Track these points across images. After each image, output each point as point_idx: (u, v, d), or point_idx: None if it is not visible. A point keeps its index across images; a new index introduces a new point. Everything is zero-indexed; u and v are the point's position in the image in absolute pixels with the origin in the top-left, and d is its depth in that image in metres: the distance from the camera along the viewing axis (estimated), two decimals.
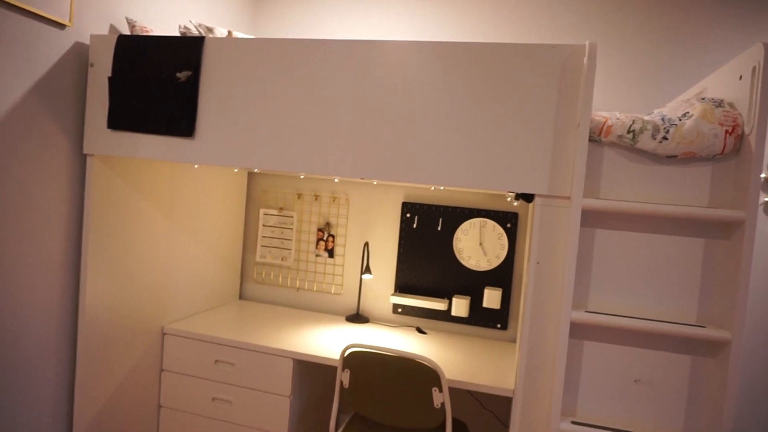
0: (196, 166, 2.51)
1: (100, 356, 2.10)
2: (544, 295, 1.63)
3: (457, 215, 2.72)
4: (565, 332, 1.52)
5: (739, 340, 1.43)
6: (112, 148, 1.99)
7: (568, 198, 1.61)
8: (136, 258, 2.22)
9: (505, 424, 2.66)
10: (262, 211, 3.05)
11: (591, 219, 1.61)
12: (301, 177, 2.95)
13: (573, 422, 1.54)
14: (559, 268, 1.62)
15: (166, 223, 2.36)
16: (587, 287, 1.62)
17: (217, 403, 2.31)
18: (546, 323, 1.62)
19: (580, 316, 1.52)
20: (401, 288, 2.81)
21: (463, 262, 2.71)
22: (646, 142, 1.52)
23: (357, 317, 2.78)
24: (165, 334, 2.38)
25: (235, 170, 2.87)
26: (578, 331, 1.59)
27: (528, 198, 1.84)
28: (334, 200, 2.93)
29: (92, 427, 2.09)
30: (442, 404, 1.87)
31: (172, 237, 2.41)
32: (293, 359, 2.21)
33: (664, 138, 1.50)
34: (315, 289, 2.96)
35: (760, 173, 1.43)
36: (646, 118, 1.56)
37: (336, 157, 1.80)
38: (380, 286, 2.85)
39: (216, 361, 2.31)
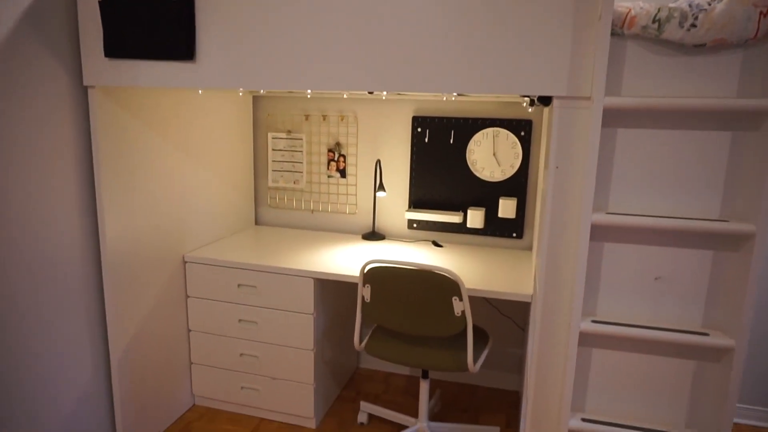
0: (200, 91, 2.44)
1: (126, 288, 2.15)
2: (564, 199, 1.60)
3: (470, 126, 2.65)
4: (586, 235, 1.51)
5: (763, 234, 1.42)
6: (113, 77, 1.92)
7: (589, 98, 1.54)
8: (150, 190, 2.21)
9: (523, 328, 2.74)
10: (270, 134, 3.00)
11: (612, 119, 1.55)
12: (308, 96, 2.86)
13: (593, 320, 1.57)
14: (579, 171, 1.58)
15: (175, 152, 2.33)
16: (607, 190, 1.59)
17: (244, 324, 2.39)
18: (565, 227, 1.61)
19: (602, 218, 1.51)
20: (416, 203, 2.80)
21: (477, 174, 2.68)
22: (672, 32, 1.43)
23: (373, 235, 2.80)
24: (186, 262, 2.43)
25: (240, 93, 2.79)
26: (598, 234, 1.58)
27: (546, 101, 1.77)
28: (342, 119, 2.86)
29: (127, 354, 2.18)
30: (463, 312, 1.92)
31: (182, 166, 2.39)
32: (314, 278, 2.26)
33: (693, 25, 1.40)
34: (329, 210, 2.96)
35: None
36: (673, 5, 1.45)
37: (343, 70, 1.72)
38: (394, 203, 2.84)
39: (239, 285, 2.36)
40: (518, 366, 2.81)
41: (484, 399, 2.73)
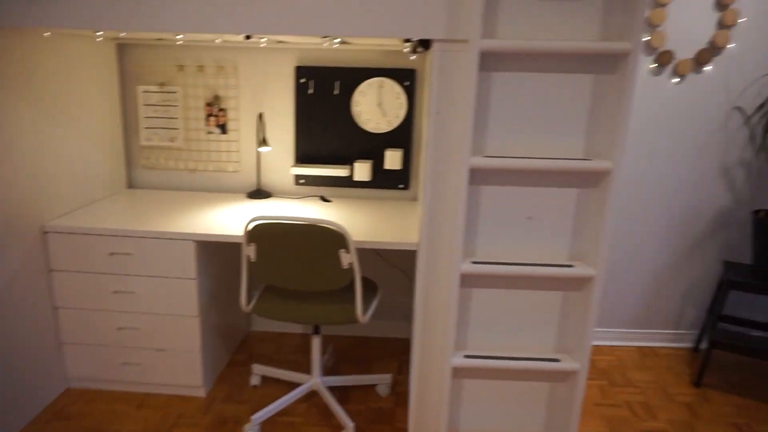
0: (46, 33, 2.12)
1: None
2: (444, 144, 1.62)
3: (354, 76, 2.59)
4: (465, 179, 1.54)
5: (618, 170, 1.53)
6: None
7: (466, 41, 1.54)
8: None
9: (410, 277, 2.81)
10: (140, 88, 2.73)
11: (489, 62, 1.57)
12: (180, 43, 2.62)
13: (473, 262, 1.62)
14: (459, 116, 1.60)
15: (25, 108, 2.03)
16: (485, 134, 1.62)
17: (120, 295, 2.20)
18: (446, 172, 1.63)
19: (480, 161, 1.54)
20: (302, 158, 2.72)
21: (363, 126, 2.65)
22: None
23: (258, 193, 2.69)
24: (46, 232, 2.17)
25: (98, 39, 2.48)
26: (477, 177, 1.62)
27: (426, 45, 1.75)
28: (220, 70, 2.67)
29: None
30: (350, 264, 1.91)
31: (35, 124, 2.09)
32: (195, 241, 2.12)
33: None
34: (211, 168, 2.79)
35: (645, 2, 1.43)
36: None
37: (212, 11, 1.58)
38: (280, 159, 2.74)
39: (111, 254, 2.16)
40: (408, 314, 2.89)
41: (376, 349, 2.79)
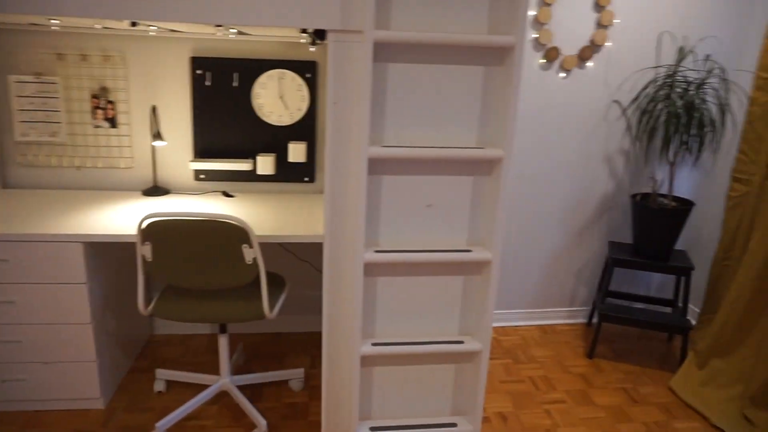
0: None
1: None
2: (343, 135, 1.62)
3: (254, 68, 2.52)
4: (364, 168, 1.55)
5: (508, 160, 1.61)
6: None
7: (361, 32, 1.55)
8: None
9: (320, 270, 2.80)
10: (12, 77, 2.48)
11: (383, 53, 1.59)
12: (54, 29, 2.41)
13: (376, 251, 1.64)
14: (356, 106, 1.60)
15: None
16: (382, 124, 1.64)
17: None
18: (346, 163, 1.63)
19: (378, 151, 1.56)
20: (201, 153, 2.61)
21: (265, 118, 2.59)
22: None
23: (155, 190, 2.54)
24: None
25: None
26: (376, 167, 1.64)
27: (321, 35, 1.74)
28: (107, 60, 2.49)
29: None
30: (254, 259, 1.86)
31: None
32: (83, 242, 1.97)
33: None
34: (100, 165, 2.60)
35: None
36: None
37: None
38: (177, 153, 2.61)
39: None
40: (319, 308, 2.88)
41: (288, 344, 2.76)
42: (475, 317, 1.79)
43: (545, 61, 2.70)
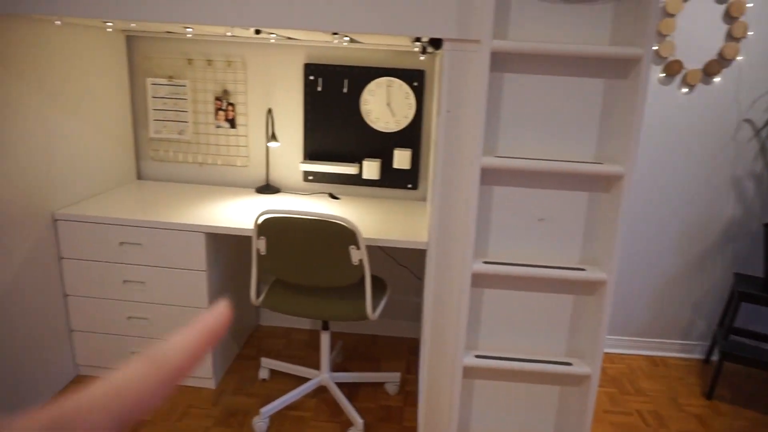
0: (57, 22, 2.13)
1: None
2: (455, 144, 1.63)
3: (363, 75, 2.60)
4: (477, 177, 1.55)
5: (629, 177, 1.54)
6: None
7: (478, 41, 1.55)
8: (8, 138, 1.93)
9: (419, 277, 2.82)
10: (149, 80, 2.74)
11: (500, 63, 1.58)
12: (189, 36, 2.63)
13: (485, 262, 1.63)
14: (469, 116, 1.61)
15: (34, 96, 2.04)
16: (496, 134, 1.63)
17: (130, 285, 2.22)
18: (457, 172, 1.64)
19: (491, 161, 1.55)
20: (311, 155, 2.73)
21: (372, 124, 2.65)
22: None
23: (267, 188, 2.70)
24: (57, 220, 2.18)
25: (108, 29, 2.49)
26: (488, 178, 1.63)
27: (437, 44, 1.76)
28: (229, 65, 2.67)
29: None
30: (360, 261, 1.92)
31: (44, 113, 2.10)
32: (205, 233, 2.13)
33: None
34: (219, 162, 2.80)
35: (659, 8, 1.44)
36: None
37: (224, 5, 1.58)
38: (289, 155, 2.75)
39: (121, 243, 2.17)
40: (416, 314, 2.91)
41: (384, 348, 2.80)
42: (585, 339, 1.72)
43: (665, 75, 2.53)
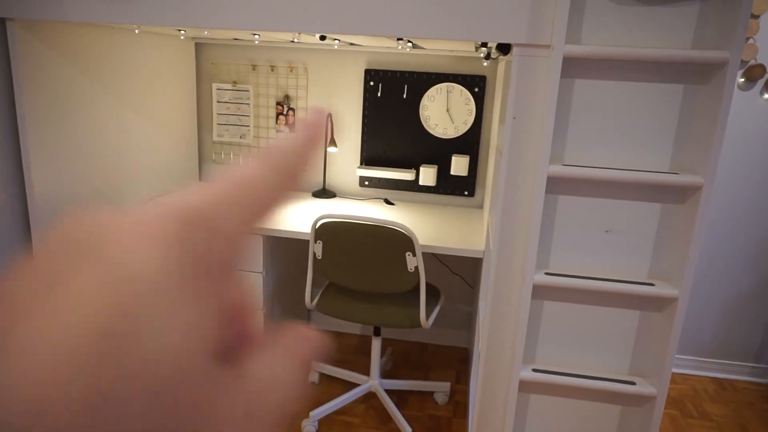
0: (136, 30, 2.24)
1: None
2: (519, 151, 1.58)
3: (423, 81, 2.58)
4: (542, 187, 1.50)
5: (709, 188, 1.44)
6: (33, 9, 1.71)
7: (549, 47, 1.50)
8: (82, 139, 2.03)
9: (472, 286, 2.77)
10: (214, 85, 2.83)
11: (570, 69, 1.52)
12: (255, 43, 2.70)
13: (547, 273, 1.57)
14: (536, 123, 1.55)
15: (109, 99, 2.14)
16: (563, 142, 1.57)
17: None
18: (520, 180, 1.59)
19: (558, 169, 1.49)
20: (368, 160, 2.73)
21: (430, 130, 2.63)
22: None
23: (324, 192, 2.72)
24: None
25: (181, 37, 2.59)
26: (553, 186, 1.57)
27: (504, 49, 1.72)
28: (291, 70, 2.72)
29: None
30: (416, 268, 1.89)
31: (118, 115, 2.20)
32: (263, 236, 2.17)
33: None
34: None
35: (750, 9, 1.35)
36: None
37: (291, 9, 1.61)
38: (346, 159, 2.76)
39: None
40: (467, 323, 2.85)
41: (434, 356, 2.76)
42: (650, 358, 1.62)
43: (744, 80, 2.39)
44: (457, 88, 2.57)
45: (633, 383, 1.59)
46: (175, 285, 0.18)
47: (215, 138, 2.88)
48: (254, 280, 2.22)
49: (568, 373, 1.61)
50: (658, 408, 1.58)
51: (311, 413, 2.14)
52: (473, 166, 2.63)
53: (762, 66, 2.35)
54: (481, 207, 2.68)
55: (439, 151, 2.65)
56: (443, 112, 2.60)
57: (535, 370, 1.62)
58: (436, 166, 2.64)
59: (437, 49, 2.50)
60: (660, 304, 1.58)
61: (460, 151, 2.63)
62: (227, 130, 2.86)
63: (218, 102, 2.85)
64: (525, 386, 1.69)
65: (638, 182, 1.49)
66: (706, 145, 1.45)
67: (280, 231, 2.12)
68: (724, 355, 2.72)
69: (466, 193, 2.67)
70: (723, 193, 2.53)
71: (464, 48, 2.38)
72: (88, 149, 2.06)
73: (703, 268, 2.63)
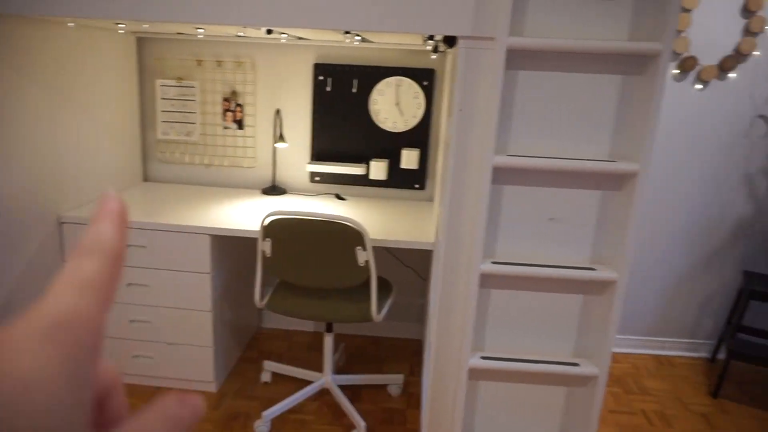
0: (70, 24, 2.13)
1: None
2: (466, 143, 1.60)
3: (373, 75, 2.58)
4: (488, 176, 1.52)
5: (644, 174, 1.50)
6: None
7: (493, 39, 1.52)
8: (16, 139, 1.92)
9: (425, 278, 2.79)
10: (158, 82, 2.74)
11: (514, 60, 1.55)
12: (200, 37, 2.63)
13: (493, 262, 1.60)
14: (482, 115, 1.58)
15: (45, 97, 2.04)
16: (508, 133, 1.60)
17: (133, 288, 2.20)
18: (468, 171, 1.61)
19: (504, 160, 1.52)
20: (318, 155, 2.71)
21: (380, 124, 2.63)
22: None
23: (273, 189, 2.68)
24: (63, 222, 2.17)
25: (121, 31, 2.49)
26: (498, 177, 1.60)
27: (451, 42, 1.74)
28: (239, 65, 2.67)
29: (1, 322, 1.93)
30: (367, 262, 1.89)
31: (56, 114, 2.10)
32: (210, 235, 2.11)
33: None
34: (226, 164, 2.79)
35: (679, 3, 1.41)
36: None
37: (237, 4, 1.57)
38: (296, 155, 2.73)
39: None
40: (420, 315, 2.87)
41: (388, 349, 2.77)
42: (593, 340, 1.68)
43: (679, 71, 2.50)
44: (407, 82, 2.58)
45: (577, 365, 1.64)
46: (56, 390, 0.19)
47: (160, 136, 2.78)
48: (202, 281, 2.16)
49: (515, 359, 1.65)
50: (600, 387, 1.63)
51: (263, 413, 2.10)
52: (424, 160, 2.65)
53: (694, 58, 2.47)
54: (431, 200, 2.70)
55: (389, 145, 2.65)
56: (393, 106, 2.61)
57: (484, 358, 1.65)
58: (387, 160, 2.65)
59: (386, 43, 2.50)
60: (601, 287, 1.63)
61: (411, 145, 2.64)
62: (172, 127, 2.78)
63: (162, 99, 2.76)
64: (474, 374, 1.72)
65: (579, 171, 1.53)
66: (642, 133, 1.50)
67: (229, 230, 2.08)
68: (662, 333, 2.86)
69: (417, 186, 2.68)
70: (660, 180, 2.64)
71: (412, 41, 2.39)
72: (19, 151, 1.95)
73: (643, 251, 2.74)
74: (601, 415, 2.33)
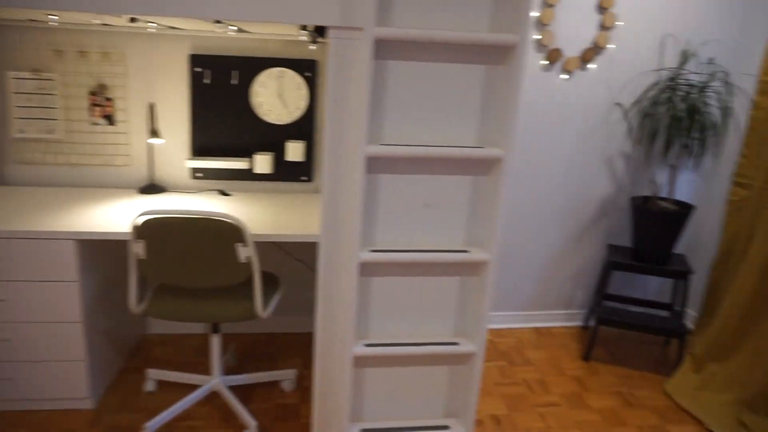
0: None
1: None
2: (342, 133, 1.60)
3: (253, 66, 2.50)
4: (362, 166, 1.53)
5: (508, 159, 1.59)
6: None
7: (361, 29, 1.53)
8: None
9: (314, 270, 2.77)
10: (10, 74, 2.46)
11: (384, 51, 1.57)
12: (53, 24, 2.39)
13: (372, 250, 1.62)
14: (355, 104, 1.58)
15: None
16: (381, 122, 1.62)
17: None
18: (345, 162, 1.61)
19: (375, 149, 1.54)
20: (198, 151, 2.59)
21: (263, 117, 2.57)
22: None
23: (151, 188, 2.52)
24: None
25: None
26: (374, 166, 1.62)
27: (323, 33, 1.72)
28: (105, 57, 2.47)
29: None
30: (248, 258, 1.84)
31: None
32: (75, 240, 1.94)
33: None
34: (96, 162, 2.58)
35: None
36: None
37: None
38: (174, 152, 2.59)
39: None
40: (313, 308, 2.85)
41: (281, 345, 2.73)
42: (470, 319, 1.76)
43: (547, 62, 2.68)
44: (289, 73, 2.53)
45: (457, 344, 1.71)
46: None
47: (15, 134, 2.51)
48: (68, 290, 1.98)
49: (398, 343, 1.69)
50: (478, 362, 1.72)
51: (146, 425, 1.99)
52: (310, 152, 2.63)
53: (558, 50, 2.66)
54: (319, 191, 2.69)
55: (274, 138, 2.60)
56: (275, 98, 2.55)
57: (368, 345, 1.67)
58: (272, 153, 2.59)
59: (263, 33, 2.44)
60: (475, 268, 1.71)
61: (296, 137, 2.60)
62: (30, 124, 2.52)
63: (16, 93, 2.49)
64: (360, 361, 1.74)
65: (448, 157, 1.59)
66: (505, 120, 1.59)
67: (95, 233, 1.92)
68: (542, 306, 3.09)
69: (304, 178, 2.65)
70: (532, 162, 2.83)
71: (291, 32, 2.35)
72: None
73: (519, 230, 2.93)
74: (488, 389, 2.46)
